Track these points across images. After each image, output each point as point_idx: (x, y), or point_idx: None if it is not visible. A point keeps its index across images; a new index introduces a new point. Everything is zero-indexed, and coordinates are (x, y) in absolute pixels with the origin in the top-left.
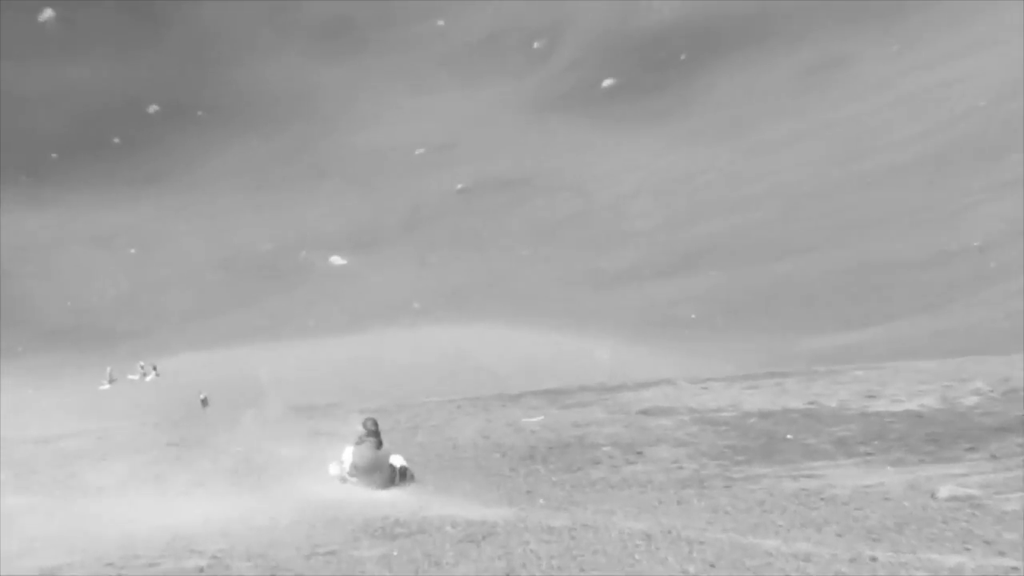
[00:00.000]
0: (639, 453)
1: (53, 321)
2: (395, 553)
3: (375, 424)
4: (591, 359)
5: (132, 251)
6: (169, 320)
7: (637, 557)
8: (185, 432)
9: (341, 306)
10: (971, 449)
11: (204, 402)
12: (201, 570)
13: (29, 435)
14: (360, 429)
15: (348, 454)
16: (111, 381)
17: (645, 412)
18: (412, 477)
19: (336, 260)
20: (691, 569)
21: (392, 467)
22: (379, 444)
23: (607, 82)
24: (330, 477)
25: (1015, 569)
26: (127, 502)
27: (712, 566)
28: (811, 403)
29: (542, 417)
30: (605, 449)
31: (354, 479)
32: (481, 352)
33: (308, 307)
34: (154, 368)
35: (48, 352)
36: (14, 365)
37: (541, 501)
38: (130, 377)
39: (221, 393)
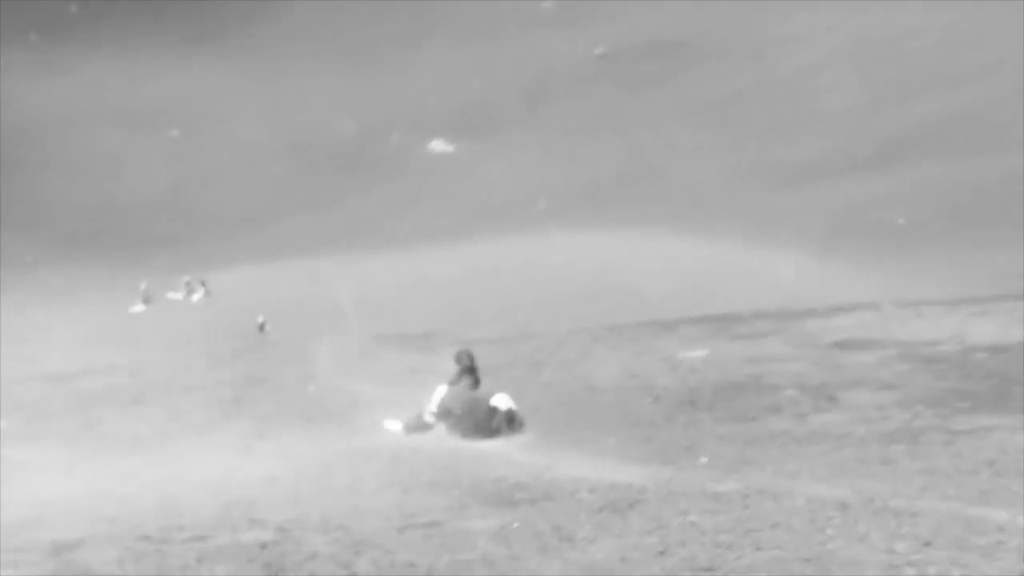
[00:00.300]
0: (831, 398)
1: (71, 224)
2: (515, 525)
3: (471, 358)
4: (769, 276)
5: (173, 133)
6: (221, 223)
7: (829, 532)
8: (242, 368)
9: (444, 206)
10: None
11: (262, 328)
12: (264, 546)
13: (40, 370)
14: (453, 365)
15: (438, 395)
16: (146, 302)
17: (839, 345)
18: (521, 424)
19: (438, 146)
20: (899, 547)
21: (494, 410)
22: (476, 383)
23: None
24: (424, 425)
25: None
26: (167, 457)
27: (927, 544)
28: None
29: (706, 351)
30: (788, 393)
31: (444, 426)
32: (626, 266)
33: (401, 208)
34: (202, 284)
35: (65, 263)
36: (21, 279)
37: (704, 459)
38: (171, 296)
39: (287, 318)
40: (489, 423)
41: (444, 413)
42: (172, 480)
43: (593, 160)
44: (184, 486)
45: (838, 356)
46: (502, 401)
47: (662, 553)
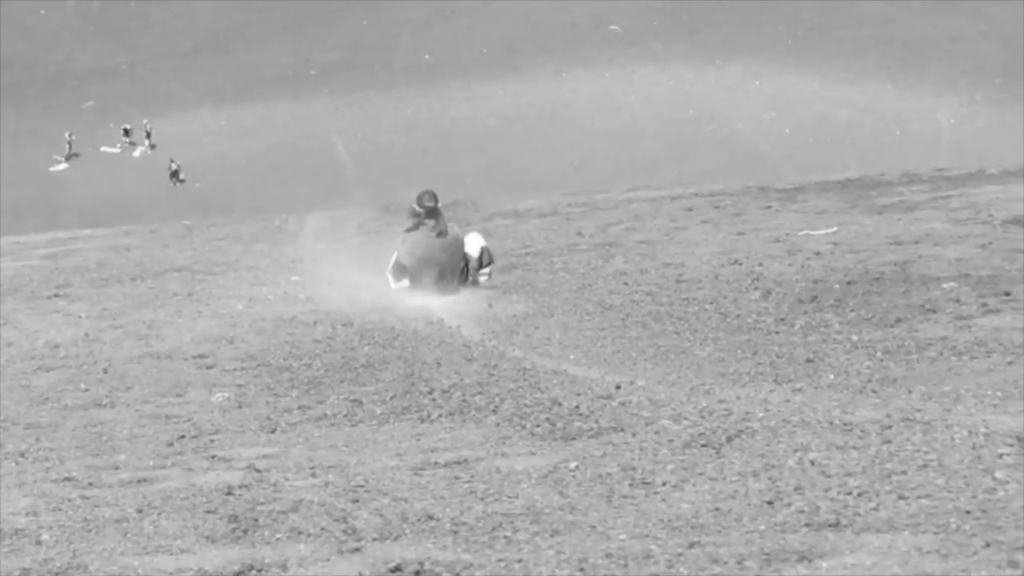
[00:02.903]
0: (1006, 295)
1: None
2: (572, 466)
3: (434, 198)
4: (923, 127)
5: None
6: (172, 51)
7: (998, 476)
8: (203, 251)
9: (480, 29)
10: None
11: (175, 176)
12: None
13: None
14: (414, 208)
15: (401, 248)
16: (70, 157)
17: (1018, 222)
18: (491, 261)
19: None
20: None
21: (466, 258)
22: (442, 229)
23: None
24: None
25: None
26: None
27: None
28: None
29: (834, 228)
30: (946, 287)
31: (404, 282)
32: (727, 112)
33: (421, 30)
34: (146, 135)
35: None
36: None
37: (831, 377)
38: (105, 150)
39: (261, 179)
40: (463, 271)
41: (399, 268)
42: None
43: None
44: None
45: (1016, 237)
46: (474, 244)
47: (771, 503)
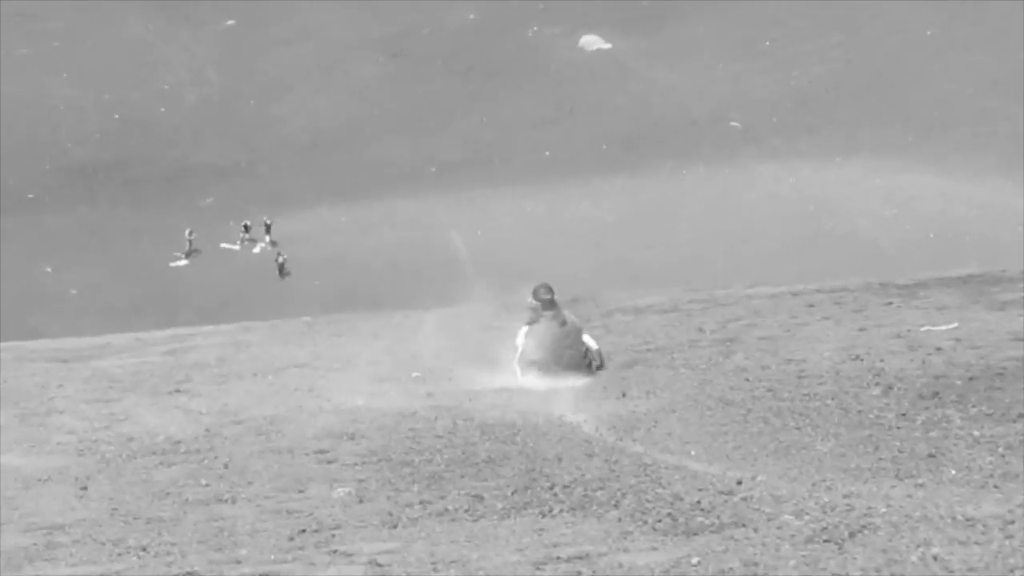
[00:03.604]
0: None
1: (85, 150)
2: (694, 561)
3: (550, 291)
4: None
5: (228, 23)
6: (291, 149)
7: None
8: (324, 347)
9: (599, 125)
10: None
11: (281, 269)
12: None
13: (46, 347)
14: (531, 302)
15: (521, 338)
16: (190, 253)
17: None
18: (602, 361)
19: (591, 43)
20: None
21: (587, 349)
22: (562, 319)
23: None
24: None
25: None
26: None
27: None
28: None
29: (956, 324)
30: None
31: (533, 374)
32: (849, 208)
33: (538, 127)
34: (267, 229)
35: (76, 203)
36: (18, 223)
37: (953, 472)
38: (224, 247)
39: (380, 276)
40: (583, 360)
41: (527, 361)
42: None
43: (803, 63)
44: None
45: None
46: (590, 340)
47: None
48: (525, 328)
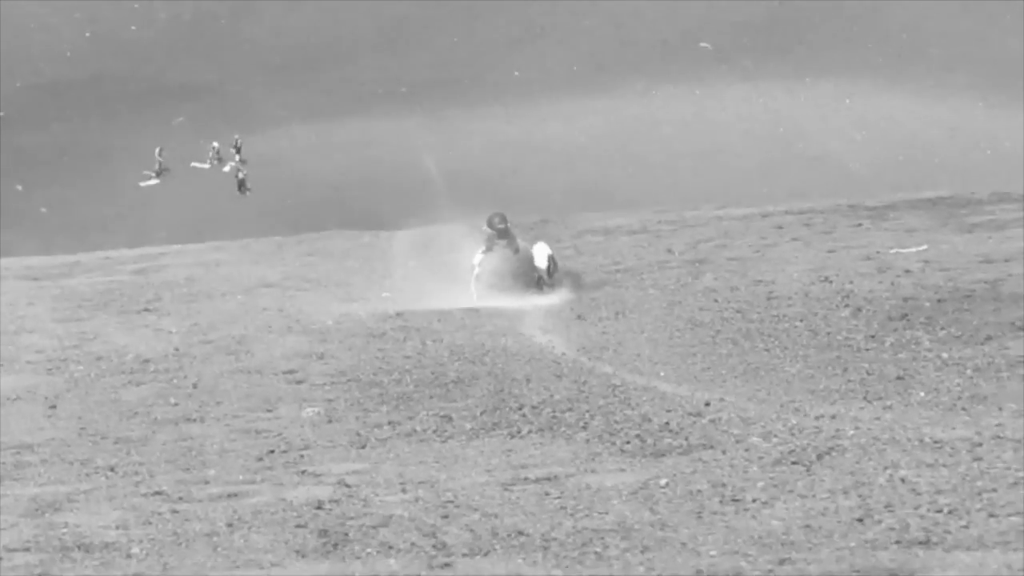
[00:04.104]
0: None
1: (57, 67)
2: (662, 483)
3: (504, 220)
4: (1016, 146)
5: None
6: (263, 67)
7: None
8: (294, 267)
9: (570, 45)
10: None
11: (241, 185)
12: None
13: (16, 265)
14: (486, 230)
15: (477, 262)
16: (160, 172)
17: None
18: (556, 269)
19: None
20: None
21: (536, 270)
22: (516, 247)
23: None
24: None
25: None
26: None
27: None
28: None
29: (925, 246)
30: None
31: (486, 294)
32: (819, 129)
33: (511, 47)
34: (237, 148)
35: (49, 121)
36: None
37: (921, 394)
38: (195, 165)
39: (351, 194)
40: (534, 282)
41: (481, 282)
42: None
43: None
44: None
45: None
46: (542, 254)
47: (861, 520)
48: (480, 254)
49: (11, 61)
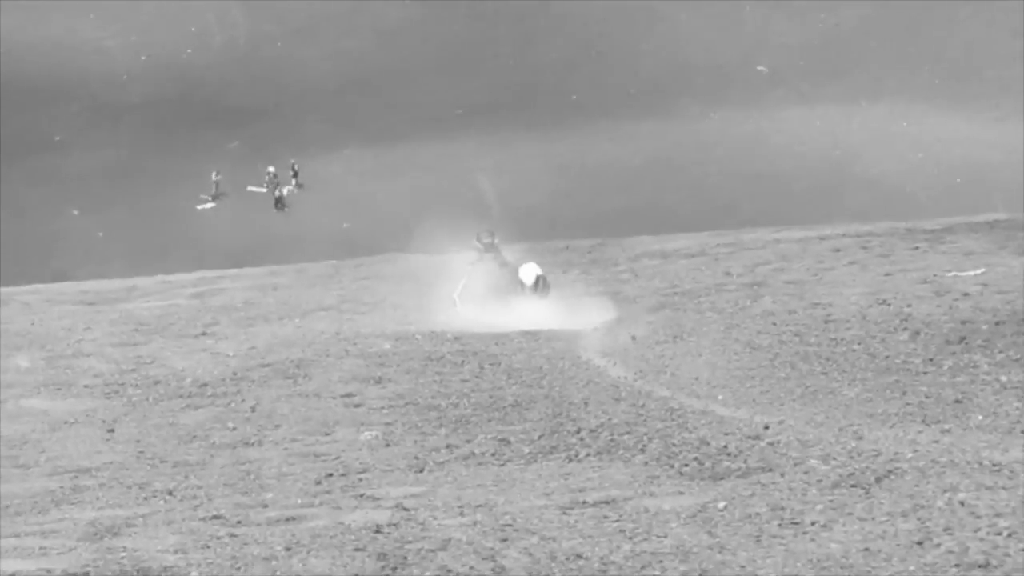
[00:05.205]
0: None
1: (112, 92)
2: (720, 506)
3: (492, 235)
4: None
5: None
6: (319, 92)
7: None
8: (349, 289)
9: (628, 69)
10: None
11: (278, 201)
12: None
13: (73, 289)
14: (476, 244)
15: (464, 274)
16: (217, 196)
17: None
18: (548, 286)
19: None
20: None
21: (522, 284)
22: (504, 261)
23: None
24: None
25: None
26: None
27: None
28: None
29: (983, 269)
30: None
31: (470, 305)
32: (876, 153)
33: (568, 70)
34: (293, 173)
35: (105, 146)
36: (43, 164)
37: (980, 417)
38: (251, 190)
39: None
40: (519, 295)
41: (468, 293)
42: None
43: (830, 7)
44: None
45: None
46: (529, 272)
47: (920, 543)
48: (469, 266)
49: (67, 85)
